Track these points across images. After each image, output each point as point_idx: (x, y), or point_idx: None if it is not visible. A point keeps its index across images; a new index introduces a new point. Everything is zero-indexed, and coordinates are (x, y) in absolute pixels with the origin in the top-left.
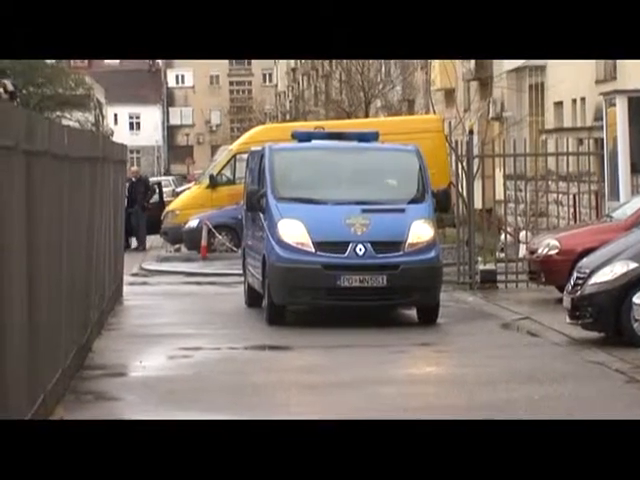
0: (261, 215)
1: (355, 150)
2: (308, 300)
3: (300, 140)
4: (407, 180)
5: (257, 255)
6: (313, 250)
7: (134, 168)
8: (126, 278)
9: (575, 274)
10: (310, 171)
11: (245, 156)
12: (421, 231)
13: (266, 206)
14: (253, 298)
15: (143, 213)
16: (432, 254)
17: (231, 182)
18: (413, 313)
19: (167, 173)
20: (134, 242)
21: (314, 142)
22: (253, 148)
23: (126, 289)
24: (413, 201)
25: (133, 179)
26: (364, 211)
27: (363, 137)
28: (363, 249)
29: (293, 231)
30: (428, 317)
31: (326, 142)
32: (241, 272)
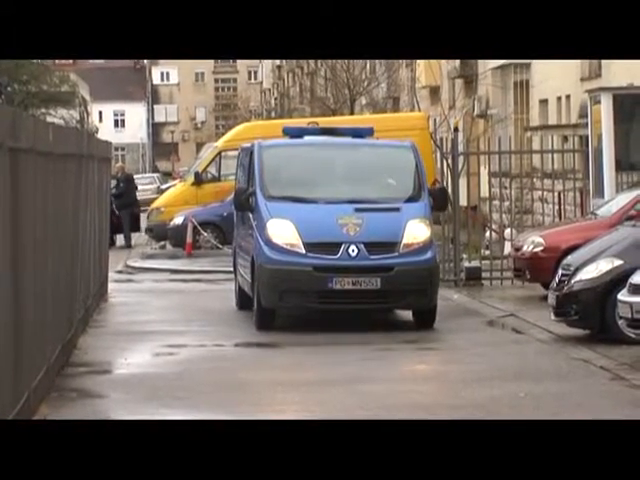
0: (250, 215)
1: (348, 146)
2: (298, 303)
3: (291, 136)
4: (403, 178)
5: (246, 256)
6: (303, 251)
7: (118, 164)
8: (111, 275)
9: (560, 271)
10: (301, 168)
11: (230, 153)
12: (417, 231)
13: (255, 205)
14: (244, 300)
15: (127, 210)
16: (428, 255)
17: (216, 179)
18: (405, 313)
19: (155, 170)
20: (119, 239)
21: (306, 138)
22: (243, 144)
23: (111, 286)
24: (409, 200)
25: (119, 175)
26: (357, 210)
27: (357, 133)
28: (356, 250)
29: (282, 231)
30: (424, 321)
31: (318, 138)
32: (226, 269)
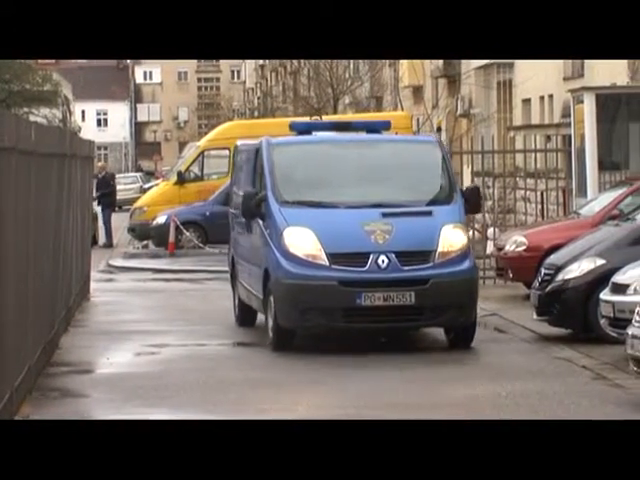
0: (260, 222)
1: (367, 143)
2: (322, 323)
3: (299, 132)
4: (430, 177)
5: (255, 268)
6: (327, 263)
7: (100, 163)
8: (93, 274)
9: (542, 271)
10: (317, 169)
11: (213, 153)
12: (453, 238)
13: (267, 211)
14: (246, 316)
15: (109, 210)
16: (466, 265)
17: (199, 179)
18: None
19: (138, 170)
20: (102, 238)
21: (317, 134)
22: (240, 142)
23: (93, 285)
24: (440, 202)
25: (99, 175)
26: (385, 215)
27: (373, 127)
28: (386, 261)
29: (302, 241)
30: (462, 339)
31: (331, 134)
32: (209, 269)
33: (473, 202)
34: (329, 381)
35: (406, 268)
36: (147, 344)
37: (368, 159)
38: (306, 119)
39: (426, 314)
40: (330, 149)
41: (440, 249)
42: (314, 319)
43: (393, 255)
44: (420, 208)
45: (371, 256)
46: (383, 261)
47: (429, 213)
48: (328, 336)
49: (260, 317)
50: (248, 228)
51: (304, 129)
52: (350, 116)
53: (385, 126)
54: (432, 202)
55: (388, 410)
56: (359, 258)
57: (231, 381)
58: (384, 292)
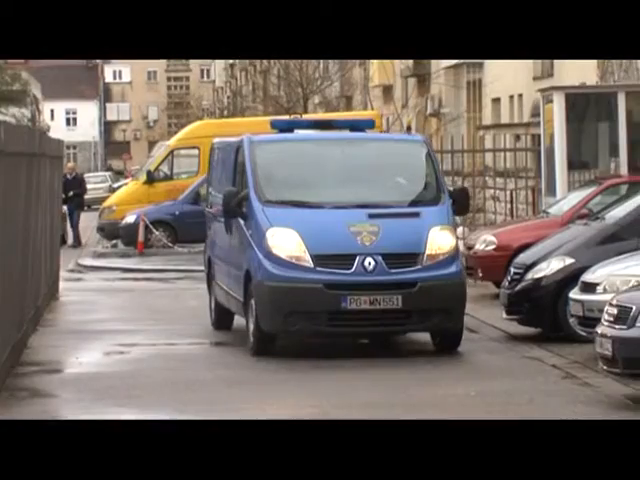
0: (241, 222)
1: (352, 141)
2: (306, 327)
3: (281, 130)
4: (417, 177)
5: (234, 270)
6: (311, 265)
7: (70, 164)
8: (62, 274)
9: (512, 270)
10: (301, 167)
11: (183, 152)
12: (441, 240)
13: (249, 211)
14: (222, 318)
15: (78, 211)
16: (454, 268)
17: (168, 178)
18: None
19: (108, 169)
20: (70, 238)
21: (301, 132)
22: (217, 140)
23: (62, 285)
24: (427, 203)
25: (68, 176)
26: (371, 216)
27: (356, 125)
28: (373, 263)
29: (285, 242)
30: (448, 344)
31: (314, 132)
32: (178, 268)
33: (461, 203)
34: (301, 381)
35: (393, 271)
36: (116, 343)
37: (354, 158)
38: (286, 117)
39: (413, 318)
40: (314, 147)
41: (428, 251)
42: (298, 323)
43: (380, 257)
44: (407, 209)
45: (357, 258)
46: (370, 263)
47: (417, 214)
48: (308, 339)
49: (238, 320)
50: (228, 228)
51: (285, 127)
52: (335, 114)
53: (369, 124)
54: (420, 203)
55: (360, 409)
56: (345, 260)
57: (201, 380)
58: (370, 295)
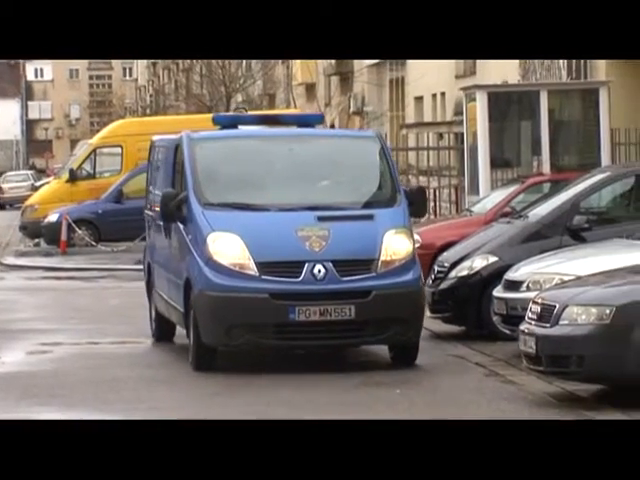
0: (181, 226)
1: (300, 138)
2: (251, 340)
3: (223, 126)
4: (370, 176)
5: (175, 278)
6: (256, 274)
7: None
8: None
9: (435, 268)
10: (244, 167)
11: (105, 150)
12: (397, 244)
13: (188, 215)
14: (164, 330)
15: None
16: (412, 275)
17: (91, 176)
18: None
19: (31, 167)
20: None
21: (244, 129)
22: (157, 138)
23: None
24: (382, 204)
25: None
26: (320, 219)
27: (304, 121)
28: (323, 271)
29: (228, 248)
30: (405, 357)
31: (259, 129)
32: (101, 267)
33: (418, 204)
34: (231, 379)
35: (345, 279)
36: (39, 343)
37: (302, 156)
38: (230, 113)
39: (368, 330)
40: (259, 145)
41: (383, 257)
42: (242, 336)
43: (330, 264)
44: (360, 211)
45: (306, 265)
46: (319, 271)
47: (370, 217)
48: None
49: (180, 331)
50: (167, 232)
51: (229, 123)
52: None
53: (318, 120)
54: (373, 204)
55: (287, 409)
56: (292, 268)
57: (124, 380)
58: (321, 306)
